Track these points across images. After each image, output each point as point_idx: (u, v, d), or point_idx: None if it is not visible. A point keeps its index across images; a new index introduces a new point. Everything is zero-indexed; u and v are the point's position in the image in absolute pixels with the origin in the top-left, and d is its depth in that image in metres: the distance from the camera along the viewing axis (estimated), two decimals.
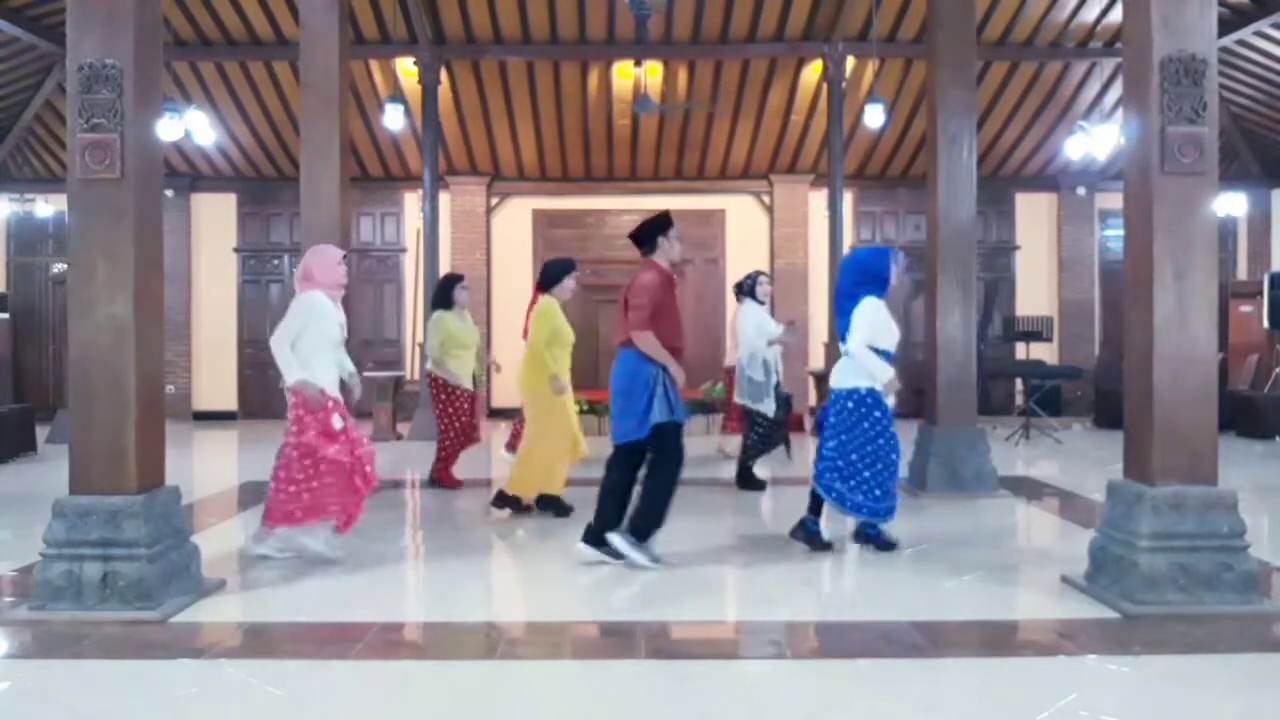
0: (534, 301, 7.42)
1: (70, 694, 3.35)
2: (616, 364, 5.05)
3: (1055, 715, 3.11)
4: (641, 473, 5.02)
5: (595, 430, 10.10)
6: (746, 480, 7.33)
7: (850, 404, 5.17)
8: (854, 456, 5.17)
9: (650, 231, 5.17)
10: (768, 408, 7.13)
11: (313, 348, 5.00)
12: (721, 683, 3.47)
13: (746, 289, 7.46)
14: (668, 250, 5.15)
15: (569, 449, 6.39)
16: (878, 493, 5.18)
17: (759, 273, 7.61)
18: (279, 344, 4.95)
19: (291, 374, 4.92)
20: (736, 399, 7.36)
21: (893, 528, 5.44)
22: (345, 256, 5.26)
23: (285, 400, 5.08)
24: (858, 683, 3.50)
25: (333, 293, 5.12)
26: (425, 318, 7.42)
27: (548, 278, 6.41)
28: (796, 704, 3.30)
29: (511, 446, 8.29)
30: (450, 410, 7.31)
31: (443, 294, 7.46)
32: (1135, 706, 3.26)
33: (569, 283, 6.40)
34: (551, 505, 6.40)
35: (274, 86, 12.00)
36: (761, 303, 7.40)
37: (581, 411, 7.66)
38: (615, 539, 4.97)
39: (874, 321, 5.10)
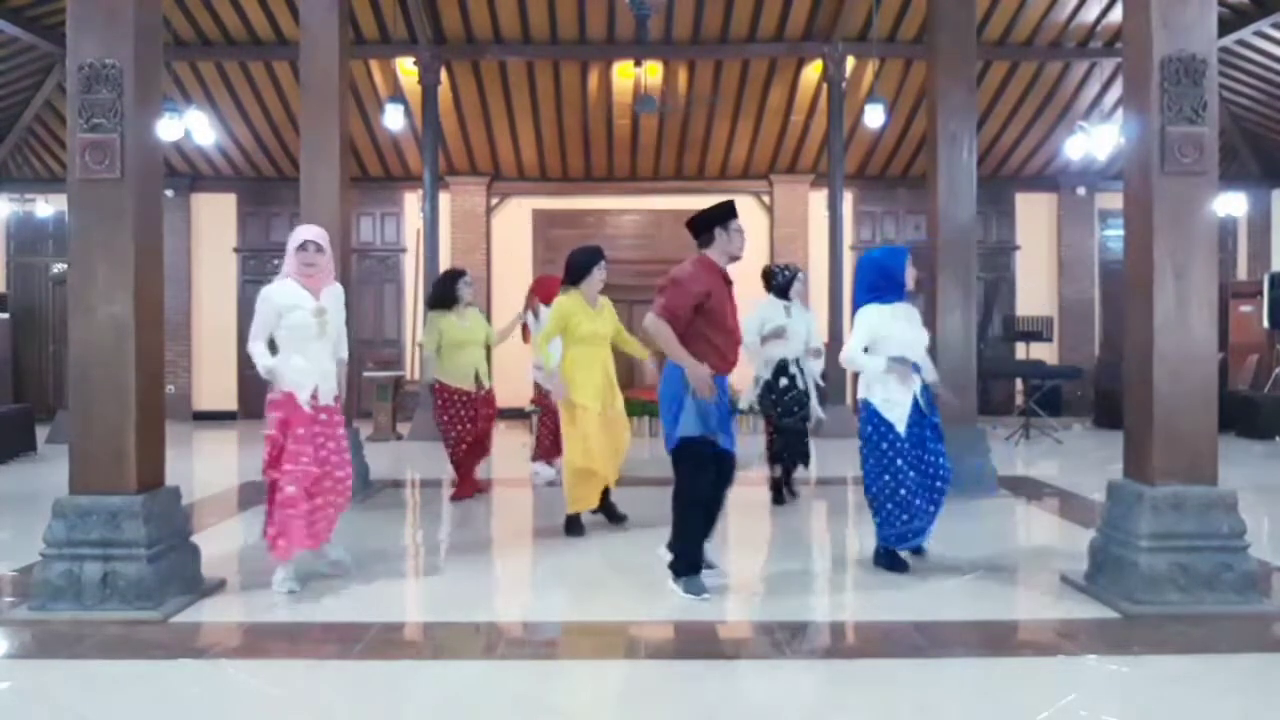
0: (537, 293, 7.33)
1: (70, 694, 3.35)
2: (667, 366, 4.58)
3: (1055, 715, 3.11)
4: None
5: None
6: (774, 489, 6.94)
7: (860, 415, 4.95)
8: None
9: (706, 222, 4.53)
10: (762, 410, 6.67)
11: (284, 341, 4.58)
12: (721, 683, 3.46)
13: (782, 283, 6.76)
14: (725, 244, 4.51)
15: (584, 469, 5.79)
16: (879, 516, 4.93)
17: (798, 269, 6.92)
18: (250, 341, 4.59)
19: (262, 361, 4.53)
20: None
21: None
22: (308, 243, 4.61)
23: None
24: (858, 683, 3.50)
25: (303, 280, 4.62)
26: (426, 317, 7.18)
27: (574, 271, 5.87)
28: (796, 704, 3.30)
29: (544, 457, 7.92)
30: (447, 416, 6.97)
31: (444, 291, 7.13)
32: (1135, 706, 3.26)
33: (598, 274, 5.86)
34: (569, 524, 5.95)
35: (274, 86, 12.00)
36: (788, 300, 6.74)
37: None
38: (678, 585, 4.54)
39: (870, 328, 4.83)
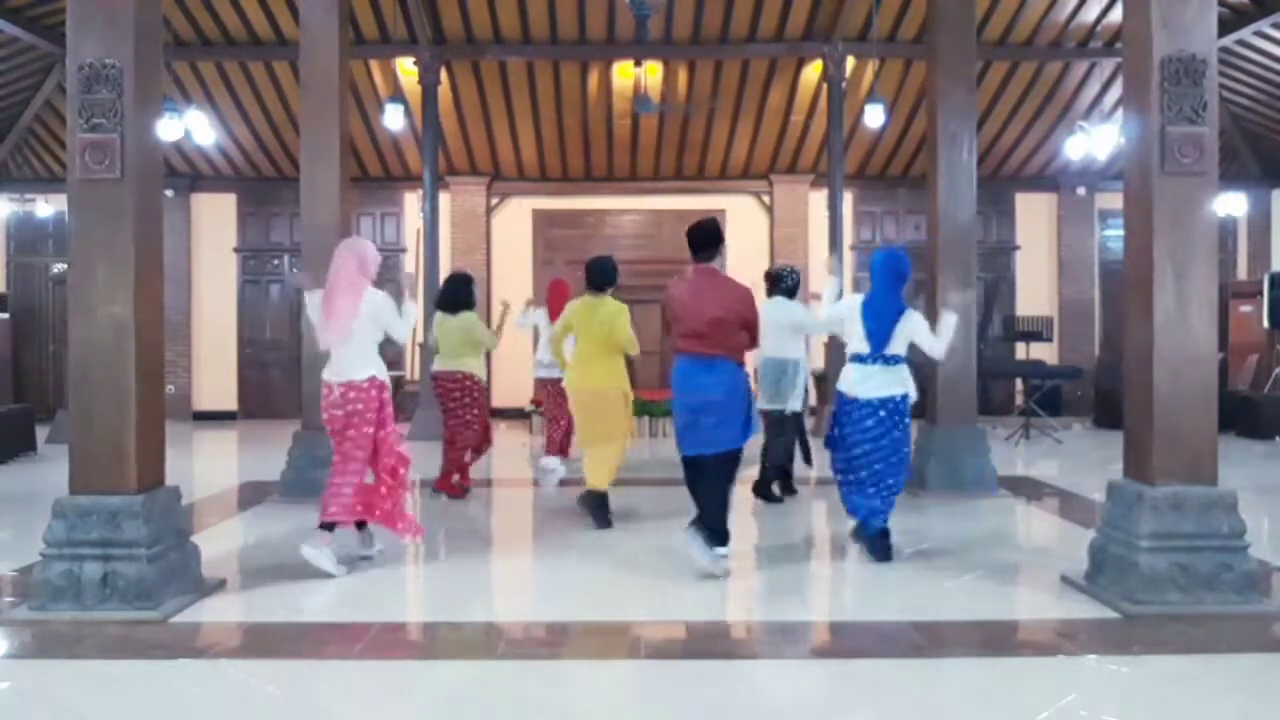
0: (560, 297, 7.69)
1: (70, 694, 3.35)
2: (711, 374, 4.89)
3: (1055, 715, 3.11)
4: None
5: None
6: (766, 490, 6.93)
7: (884, 413, 5.13)
8: (879, 466, 5.15)
9: (717, 237, 5.07)
10: (796, 404, 6.75)
11: (376, 342, 5.11)
12: (721, 683, 3.46)
13: (792, 285, 6.85)
14: (722, 259, 5.16)
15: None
16: (893, 498, 5.24)
17: (796, 269, 7.08)
18: (404, 326, 5.19)
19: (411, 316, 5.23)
20: (766, 404, 6.71)
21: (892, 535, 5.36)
22: None
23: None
24: (858, 683, 3.50)
25: None
26: (427, 318, 7.25)
27: (608, 277, 6.25)
28: (796, 704, 3.31)
29: (561, 451, 8.16)
30: (481, 413, 7.20)
31: (466, 293, 7.30)
32: (1135, 706, 3.26)
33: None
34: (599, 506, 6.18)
35: (274, 86, 11.99)
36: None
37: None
38: (711, 556, 4.92)
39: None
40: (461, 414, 7.13)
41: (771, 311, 6.51)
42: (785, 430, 6.80)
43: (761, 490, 6.93)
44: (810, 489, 7.58)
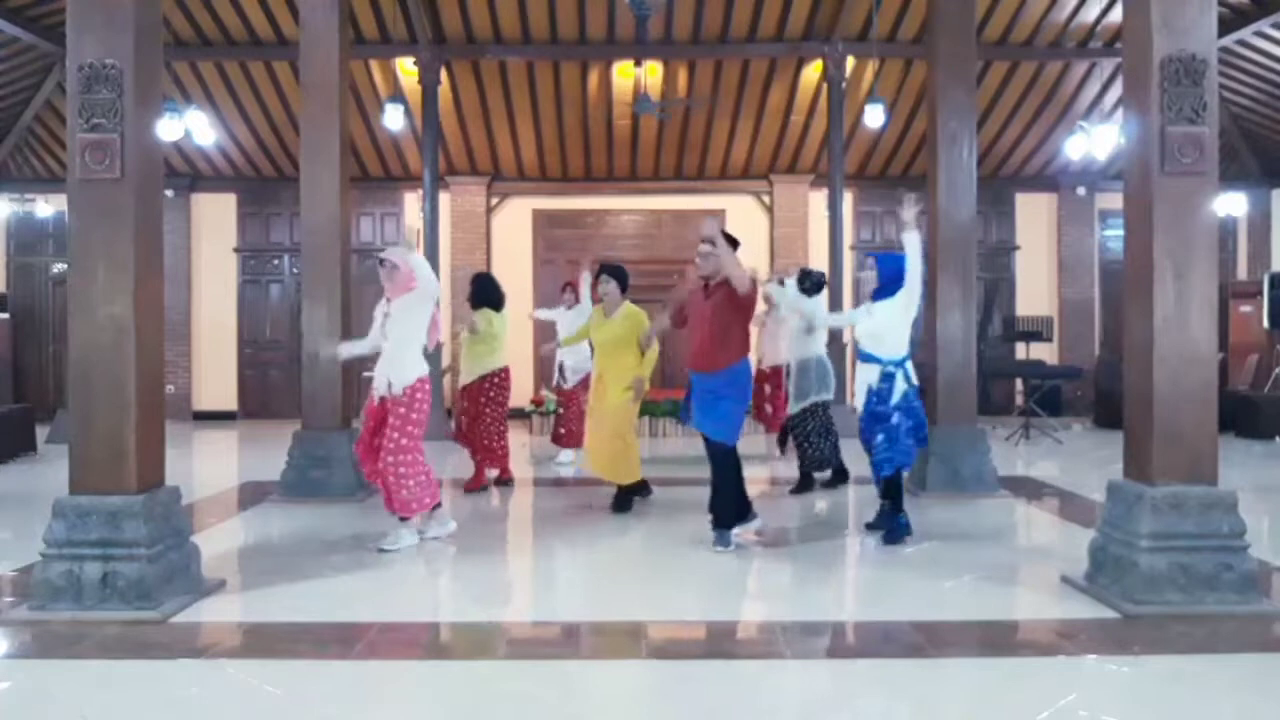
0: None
1: (70, 694, 3.35)
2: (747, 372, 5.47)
3: (1055, 715, 3.11)
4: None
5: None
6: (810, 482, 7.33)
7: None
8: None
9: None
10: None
11: None
12: (721, 683, 3.46)
13: (816, 285, 7.10)
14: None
15: None
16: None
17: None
18: None
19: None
20: (818, 396, 7.09)
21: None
22: (383, 260, 5.50)
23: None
24: (858, 683, 3.50)
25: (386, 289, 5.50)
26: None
27: (627, 282, 6.70)
28: (796, 704, 3.31)
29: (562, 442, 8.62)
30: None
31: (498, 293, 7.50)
32: (1135, 706, 3.26)
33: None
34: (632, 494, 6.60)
35: (274, 86, 11.99)
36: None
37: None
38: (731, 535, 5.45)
39: None
40: (504, 407, 7.50)
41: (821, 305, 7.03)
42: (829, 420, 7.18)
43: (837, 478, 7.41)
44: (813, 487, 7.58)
